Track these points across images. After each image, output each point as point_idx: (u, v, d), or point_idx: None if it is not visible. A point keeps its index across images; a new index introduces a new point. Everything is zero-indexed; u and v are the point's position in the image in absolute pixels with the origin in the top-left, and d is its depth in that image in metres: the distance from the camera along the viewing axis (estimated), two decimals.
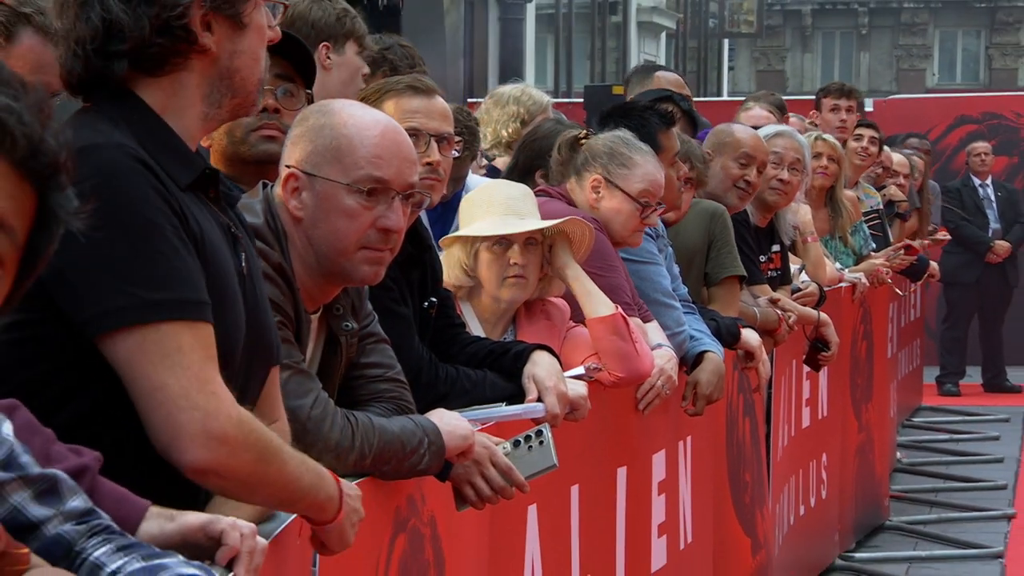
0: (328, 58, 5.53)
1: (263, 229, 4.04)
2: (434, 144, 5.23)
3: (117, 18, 3.53)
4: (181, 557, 2.83)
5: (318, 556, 3.74)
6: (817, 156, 10.19)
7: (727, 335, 7.46)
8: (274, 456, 3.40)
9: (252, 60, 3.59)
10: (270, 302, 3.79)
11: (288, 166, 4.20)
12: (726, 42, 48.11)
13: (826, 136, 10.87)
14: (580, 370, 5.60)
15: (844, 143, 11.58)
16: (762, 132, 8.68)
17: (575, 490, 5.62)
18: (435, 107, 5.34)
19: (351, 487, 3.71)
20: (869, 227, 11.97)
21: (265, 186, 4.30)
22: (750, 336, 7.74)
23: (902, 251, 12.50)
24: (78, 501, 2.85)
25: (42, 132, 2.36)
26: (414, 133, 5.07)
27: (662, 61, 37.64)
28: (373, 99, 5.23)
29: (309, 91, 4.71)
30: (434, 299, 5.18)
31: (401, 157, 4.19)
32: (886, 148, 13.74)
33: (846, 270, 10.75)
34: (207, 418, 3.30)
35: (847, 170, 11.10)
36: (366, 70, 5.74)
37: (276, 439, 3.44)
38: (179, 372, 3.33)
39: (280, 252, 4.04)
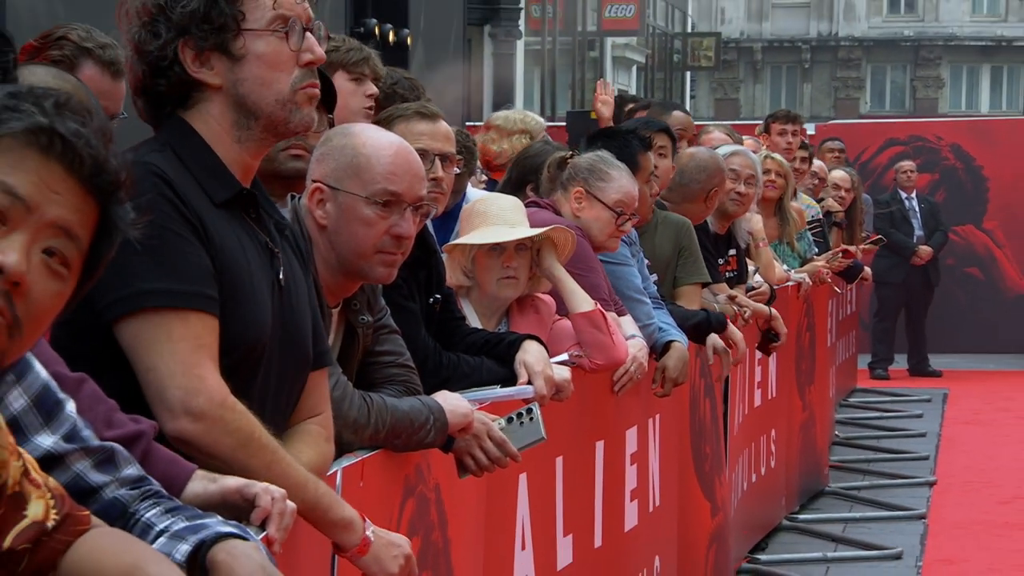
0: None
1: (295, 230, 3.99)
2: (438, 162, 5.21)
3: (139, 67, 3.57)
4: (220, 517, 2.80)
5: None
6: (766, 172, 10.18)
7: (716, 324, 7.54)
8: (261, 450, 3.34)
9: (259, 85, 3.52)
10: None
11: (314, 180, 4.19)
12: (688, 74, 48.06)
13: (774, 155, 10.90)
14: (564, 357, 5.58)
15: (791, 161, 11.63)
16: (720, 151, 8.72)
17: (560, 460, 5.63)
18: (439, 130, 5.33)
19: (395, 536, 3.71)
20: (812, 234, 12.03)
21: (293, 197, 4.31)
22: (735, 330, 7.83)
23: (840, 255, 12.55)
24: (132, 469, 2.84)
25: (105, 153, 2.37)
26: (421, 153, 5.01)
27: (633, 91, 37.51)
28: (385, 124, 5.18)
29: (330, 116, 4.71)
30: (438, 296, 5.14)
31: (412, 173, 4.19)
32: (821, 164, 13.79)
33: (792, 271, 10.76)
34: (187, 396, 3.29)
35: (792, 184, 11.13)
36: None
37: (272, 441, 3.37)
38: (167, 356, 3.32)
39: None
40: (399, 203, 4.14)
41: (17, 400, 2.72)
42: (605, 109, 10.71)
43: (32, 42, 4.54)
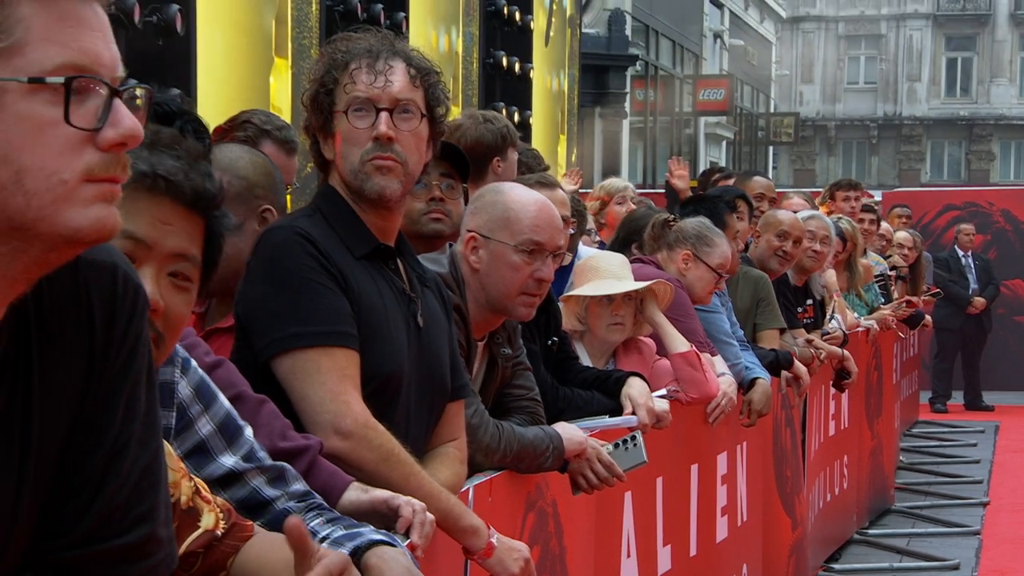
0: (499, 166, 5.57)
1: (447, 277, 4.05)
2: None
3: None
4: (372, 527, 2.82)
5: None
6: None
7: (784, 362, 7.51)
8: (400, 464, 3.35)
9: (341, 159, 3.55)
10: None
11: (468, 230, 4.19)
12: (771, 148, 47.86)
13: (844, 219, 10.86)
14: (663, 391, 5.59)
15: (859, 223, 11.56)
16: (800, 215, 8.69)
17: (660, 481, 5.62)
18: (556, 196, 5.29)
19: (516, 542, 3.70)
20: (878, 287, 11.96)
21: (450, 245, 4.33)
22: (800, 367, 7.78)
23: (904, 305, 12.48)
24: (299, 485, 2.88)
25: (201, 180, 2.38)
26: None
27: (723, 163, 37.42)
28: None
29: (465, 185, 4.74)
30: (556, 338, 5.16)
31: (553, 226, 4.19)
32: (888, 226, 13.69)
33: (862, 318, 10.71)
34: (336, 418, 3.32)
35: (861, 244, 11.07)
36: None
37: (409, 457, 3.38)
38: (317, 385, 3.35)
39: (459, 294, 4.04)
40: (542, 251, 4.15)
41: (205, 426, 2.77)
42: (680, 183, 10.68)
43: (222, 125, 4.62)
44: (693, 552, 6.13)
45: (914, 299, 13.08)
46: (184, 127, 3.26)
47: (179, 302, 2.38)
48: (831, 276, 9.81)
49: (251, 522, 2.54)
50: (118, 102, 1.74)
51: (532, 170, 5.96)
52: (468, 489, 3.80)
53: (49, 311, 1.85)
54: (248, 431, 2.85)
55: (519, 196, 4.23)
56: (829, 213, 10.83)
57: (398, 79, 3.50)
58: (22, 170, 1.69)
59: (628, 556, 5.29)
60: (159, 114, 3.23)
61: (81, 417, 1.88)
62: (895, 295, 12.88)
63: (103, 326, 1.89)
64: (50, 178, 1.70)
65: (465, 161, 4.70)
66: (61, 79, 1.69)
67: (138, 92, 1.79)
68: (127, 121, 1.74)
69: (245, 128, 4.49)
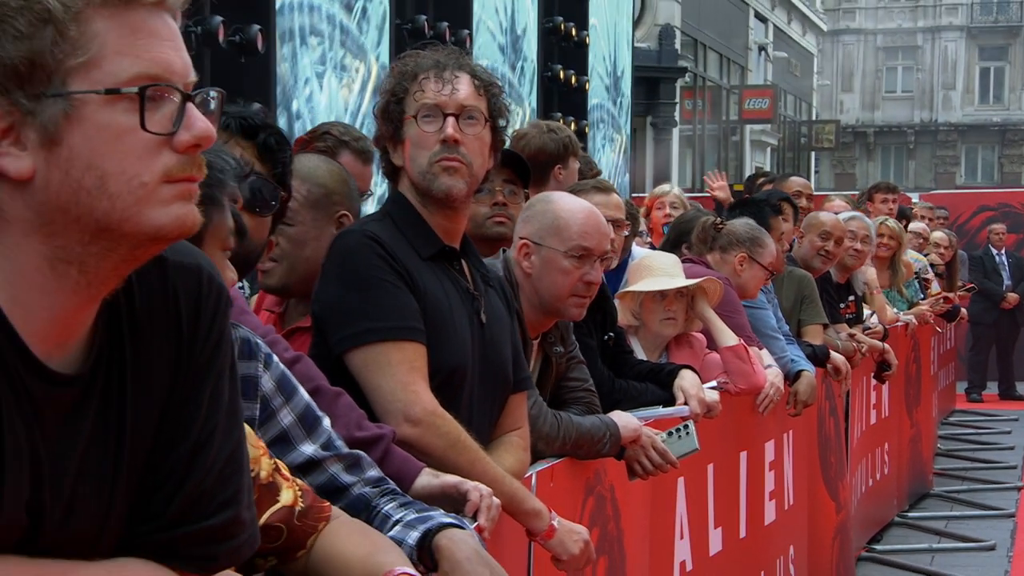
0: (560, 174, 5.56)
1: (503, 281, 4.04)
2: (610, 226, 5.24)
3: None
4: (442, 511, 2.83)
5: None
6: (881, 235, 10.20)
7: (820, 355, 7.46)
8: (467, 450, 3.36)
9: (409, 162, 3.58)
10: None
11: (521, 237, 4.20)
12: (813, 154, 47.54)
13: (890, 221, 10.80)
14: (713, 383, 5.55)
15: None
16: (842, 216, 8.63)
17: (711, 467, 5.59)
18: (611, 201, 5.34)
19: (576, 525, 3.70)
20: (917, 283, 11.88)
21: (504, 251, 4.33)
22: (837, 358, 7.73)
23: (941, 300, 12.39)
24: (373, 471, 2.89)
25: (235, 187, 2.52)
26: None
27: (768, 168, 37.26)
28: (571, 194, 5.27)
29: (526, 190, 4.74)
30: (612, 333, 5.17)
31: (601, 232, 4.19)
32: (923, 225, 13.49)
33: (901, 313, 10.64)
34: (406, 406, 3.34)
35: (905, 243, 11.03)
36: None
37: (474, 444, 3.39)
38: (388, 376, 3.37)
39: (514, 297, 4.01)
40: (590, 256, 4.15)
41: (286, 417, 2.78)
42: (721, 193, 10.62)
43: (303, 136, 4.65)
44: (743, 534, 6.10)
45: (950, 295, 12.99)
46: (267, 140, 3.28)
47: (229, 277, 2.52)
48: (871, 273, 9.75)
49: (328, 504, 2.54)
50: (191, 106, 1.75)
51: (584, 175, 5.96)
52: (531, 475, 3.80)
53: (140, 310, 1.86)
54: (326, 421, 2.87)
55: (568, 205, 4.23)
56: (867, 214, 10.77)
57: (464, 88, 3.51)
58: (105, 175, 1.70)
59: (681, 538, 5.28)
60: (244, 127, 3.24)
61: (169, 409, 1.89)
62: (933, 291, 12.79)
63: (189, 324, 1.90)
64: (131, 181, 1.71)
65: (527, 168, 4.71)
66: (135, 89, 1.70)
67: (211, 95, 1.80)
68: (200, 124, 1.75)
69: (324, 139, 4.50)
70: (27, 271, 1.73)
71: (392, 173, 3.65)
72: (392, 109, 3.55)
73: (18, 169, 1.68)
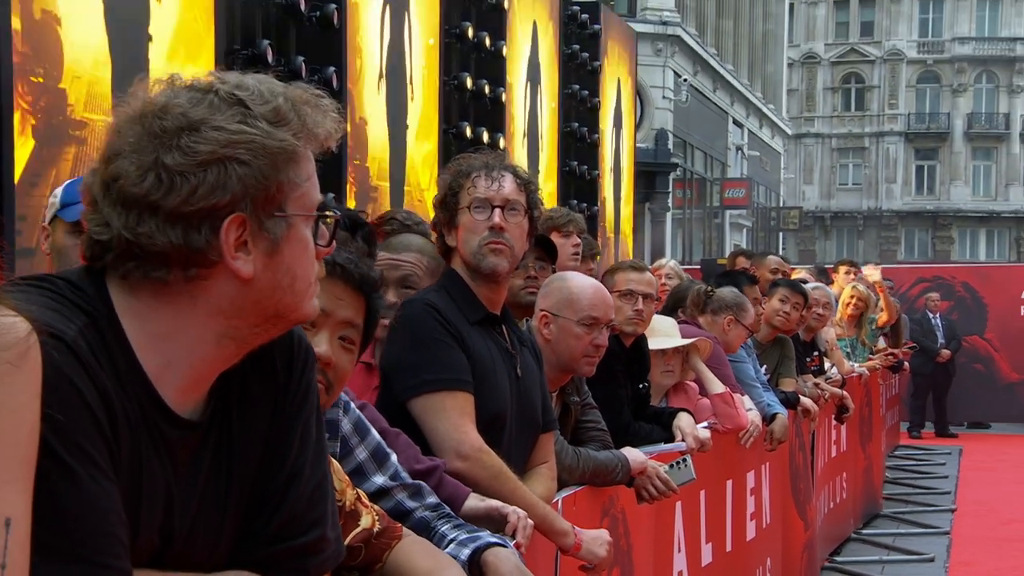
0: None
1: (533, 341, 4.02)
2: (641, 299, 5.15)
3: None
4: (489, 531, 2.81)
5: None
6: (852, 298, 10.38)
7: (792, 400, 7.43)
8: (507, 480, 3.34)
9: (462, 243, 3.58)
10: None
11: (541, 310, 4.19)
12: (781, 234, 47.51)
13: (860, 286, 10.89)
14: (705, 424, 5.56)
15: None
16: (808, 287, 8.59)
17: (703, 493, 5.56)
18: (645, 278, 5.23)
19: (597, 531, 3.68)
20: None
21: (527, 320, 4.31)
22: (808, 401, 7.72)
23: (887, 356, 12.36)
24: (432, 498, 2.87)
25: (367, 268, 2.47)
26: (629, 292, 5.11)
27: (744, 245, 37.25)
28: (610, 272, 5.25)
29: (554, 266, 4.73)
30: (647, 383, 5.18)
31: (606, 304, 4.17)
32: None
33: (855, 365, 10.58)
34: (457, 445, 3.32)
35: (871, 304, 11.14)
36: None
37: (513, 476, 3.38)
38: (443, 420, 3.36)
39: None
40: (598, 324, 4.13)
41: (361, 452, 2.76)
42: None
43: (372, 220, 4.65)
44: (729, 548, 6.04)
45: (896, 351, 12.95)
46: (364, 234, 3.30)
47: (345, 360, 2.43)
48: (832, 333, 9.71)
49: (400, 525, 2.54)
50: (326, 226, 1.84)
51: (586, 254, 5.90)
52: (558, 500, 3.79)
53: (246, 367, 1.86)
54: (393, 457, 2.85)
55: (579, 282, 4.21)
56: (828, 284, 10.77)
57: (508, 185, 3.52)
58: (295, 277, 1.78)
59: (679, 551, 5.24)
60: (347, 224, 3.26)
61: (268, 447, 1.88)
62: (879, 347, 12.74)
63: (283, 377, 1.89)
64: (306, 282, 1.80)
65: (554, 248, 4.70)
66: (318, 213, 1.81)
67: (328, 214, 1.86)
68: (330, 239, 1.85)
69: (391, 223, 4.50)
70: (195, 344, 1.75)
71: (446, 253, 3.65)
72: (448, 200, 3.56)
73: (247, 272, 1.74)
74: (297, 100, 1.77)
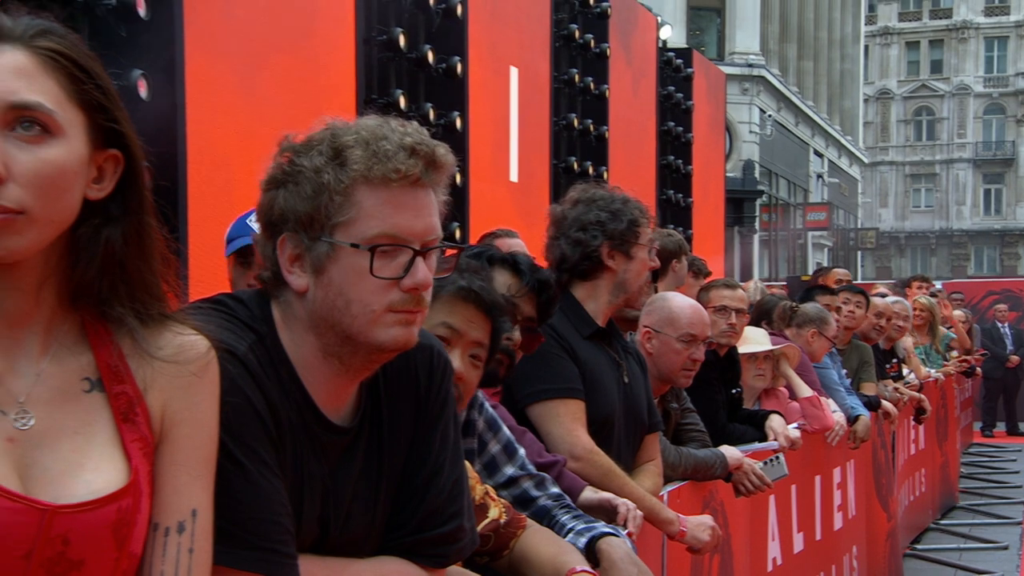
0: (676, 266, 5.49)
1: (638, 351, 4.01)
2: (734, 314, 5.10)
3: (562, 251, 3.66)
4: (603, 522, 2.79)
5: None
6: (916, 310, 10.13)
7: (874, 403, 7.28)
8: (617, 477, 3.31)
9: (635, 275, 3.65)
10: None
11: (644, 326, 4.14)
12: (859, 253, 46.66)
13: (923, 298, 10.68)
14: (795, 425, 5.49)
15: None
16: (888, 300, 8.47)
17: (794, 487, 5.47)
18: (737, 295, 5.19)
19: (700, 517, 3.63)
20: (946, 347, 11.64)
21: (631, 334, 4.27)
22: (888, 404, 7.56)
23: (962, 362, 12.09)
24: (554, 488, 2.85)
25: (495, 296, 2.46)
26: (723, 308, 5.05)
27: (825, 263, 36.63)
28: (704, 290, 5.21)
29: (655, 284, 4.69)
30: (740, 388, 5.13)
31: (703, 322, 4.11)
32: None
33: (933, 371, 10.36)
34: (571, 447, 3.30)
35: (937, 315, 10.90)
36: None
37: (622, 473, 3.34)
38: (558, 425, 3.35)
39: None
40: (696, 341, 4.08)
41: (494, 447, 2.78)
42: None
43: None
44: (818, 537, 5.93)
45: (968, 358, 12.68)
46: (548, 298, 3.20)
47: (473, 375, 2.44)
48: (909, 342, 9.52)
49: (524, 515, 2.53)
50: (420, 260, 1.72)
51: (701, 271, 5.88)
52: (664, 494, 3.75)
53: (391, 379, 1.88)
54: (522, 451, 2.85)
55: (679, 302, 4.17)
56: (905, 298, 10.60)
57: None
58: (349, 301, 1.71)
59: (773, 540, 5.16)
60: (489, 258, 3.23)
61: (412, 448, 1.89)
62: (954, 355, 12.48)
63: (424, 388, 1.91)
64: (365, 308, 1.71)
65: (655, 274, 4.67)
66: (365, 247, 1.70)
67: (436, 246, 1.77)
68: (420, 275, 1.71)
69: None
70: (309, 358, 1.76)
71: (596, 269, 3.64)
72: (628, 232, 3.60)
73: (299, 285, 1.73)
74: (374, 137, 1.70)
